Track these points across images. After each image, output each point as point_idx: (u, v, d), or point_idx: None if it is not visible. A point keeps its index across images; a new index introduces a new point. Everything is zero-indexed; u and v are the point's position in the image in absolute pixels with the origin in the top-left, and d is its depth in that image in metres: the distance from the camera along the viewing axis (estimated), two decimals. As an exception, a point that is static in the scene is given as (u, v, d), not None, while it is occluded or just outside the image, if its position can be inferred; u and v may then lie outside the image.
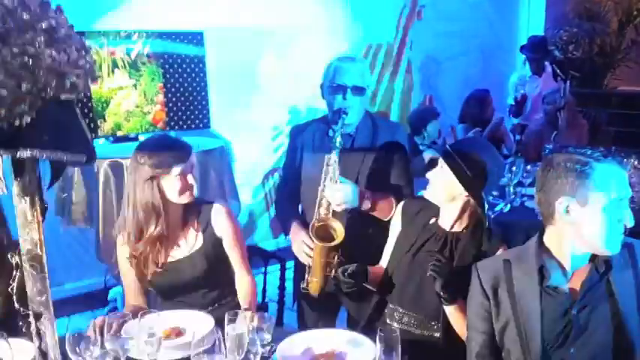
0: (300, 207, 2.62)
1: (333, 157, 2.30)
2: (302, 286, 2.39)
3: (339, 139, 2.28)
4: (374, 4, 5.22)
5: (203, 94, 4.05)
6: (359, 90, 2.41)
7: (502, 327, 1.73)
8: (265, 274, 2.72)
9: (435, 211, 2.14)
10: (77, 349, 1.63)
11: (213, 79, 4.28)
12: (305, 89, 4.85)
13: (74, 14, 3.47)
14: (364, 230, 2.40)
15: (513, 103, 5.25)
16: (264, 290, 2.69)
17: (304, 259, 2.39)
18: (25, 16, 0.97)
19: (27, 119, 1.00)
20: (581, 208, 1.58)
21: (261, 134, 4.77)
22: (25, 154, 1.03)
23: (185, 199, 2.17)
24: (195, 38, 3.99)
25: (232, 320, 1.70)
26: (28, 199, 1.11)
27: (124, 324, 1.74)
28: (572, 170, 1.58)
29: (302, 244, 2.39)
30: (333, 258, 2.27)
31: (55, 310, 1.19)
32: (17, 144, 1.02)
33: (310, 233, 2.30)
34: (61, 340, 1.56)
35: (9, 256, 1.14)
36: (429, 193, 2.10)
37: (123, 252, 2.21)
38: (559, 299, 1.67)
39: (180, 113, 3.97)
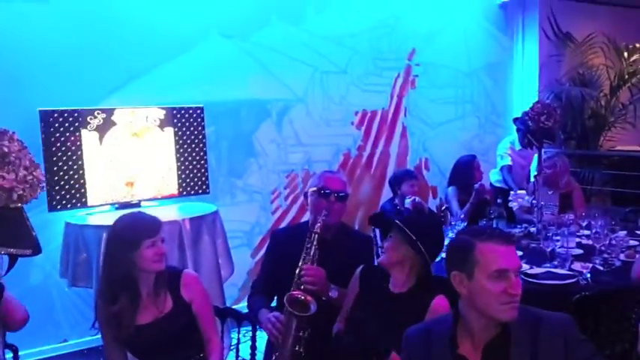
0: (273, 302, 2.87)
1: (313, 241, 2.63)
2: None
3: (319, 225, 2.63)
4: (368, 74, 5.56)
5: (202, 162, 4.41)
6: (342, 197, 2.81)
7: None
8: (238, 334, 2.96)
9: (387, 277, 2.40)
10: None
11: (213, 147, 4.66)
12: (301, 155, 5.20)
13: (87, 92, 3.89)
14: (329, 317, 2.60)
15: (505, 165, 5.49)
16: (237, 350, 2.93)
17: (273, 336, 2.60)
18: (-18, 148, 1.29)
19: (-18, 224, 1.31)
20: (469, 281, 1.78)
21: (260, 197, 5.09)
22: (-18, 249, 1.33)
23: (156, 267, 2.43)
24: (195, 112, 4.37)
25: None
26: (-13, 281, 1.40)
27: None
28: (460, 248, 1.83)
29: (273, 319, 2.59)
30: (303, 333, 2.50)
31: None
32: (-24, 242, 1.32)
33: (284, 301, 2.52)
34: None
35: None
36: (382, 260, 2.40)
37: (101, 314, 2.49)
38: None
39: (180, 181, 4.32)
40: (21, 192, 1.33)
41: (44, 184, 1.38)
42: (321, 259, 2.65)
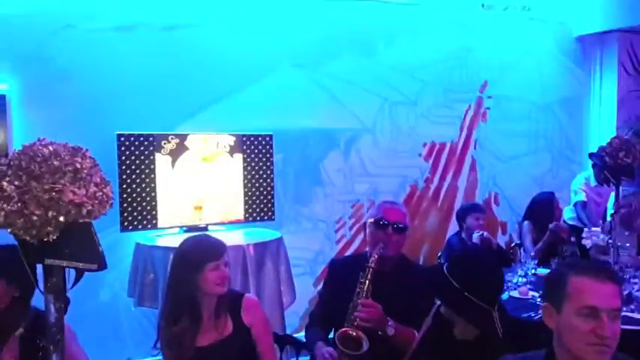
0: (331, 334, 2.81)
1: (367, 275, 2.58)
2: None
3: (374, 258, 2.59)
4: (438, 106, 5.51)
5: (269, 189, 4.46)
6: (400, 229, 2.75)
7: None
8: (297, 362, 2.95)
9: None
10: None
11: (281, 174, 4.73)
12: (367, 185, 5.18)
13: (162, 118, 4.04)
14: (384, 354, 2.56)
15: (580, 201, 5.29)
16: (295, 378, 2.90)
17: None
18: (56, 163, 1.34)
19: (53, 237, 1.36)
20: (558, 315, 1.67)
21: (325, 226, 5.09)
22: (50, 262, 1.38)
23: (219, 290, 2.46)
24: (265, 139, 4.45)
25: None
26: (54, 294, 1.44)
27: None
28: (553, 279, 1.74)
29: (327, 354, 2.58)
30: None
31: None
32: (45, 255, 1.37)
33: (336, 340, 2.50)
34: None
35: (37, 341, 1.47)
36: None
37: (163, 335, 2.53)
38: None
39: (246, 206, 4.38)
40: (90, 207, 1.37)
41: (113, 201, 1.41)
42: (379, 293, 2.59)
